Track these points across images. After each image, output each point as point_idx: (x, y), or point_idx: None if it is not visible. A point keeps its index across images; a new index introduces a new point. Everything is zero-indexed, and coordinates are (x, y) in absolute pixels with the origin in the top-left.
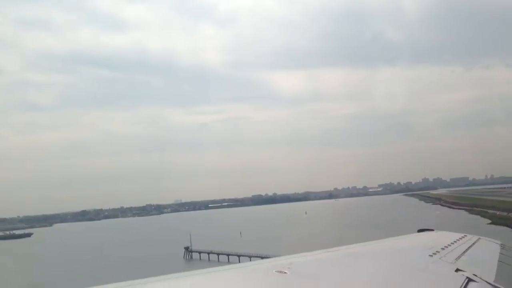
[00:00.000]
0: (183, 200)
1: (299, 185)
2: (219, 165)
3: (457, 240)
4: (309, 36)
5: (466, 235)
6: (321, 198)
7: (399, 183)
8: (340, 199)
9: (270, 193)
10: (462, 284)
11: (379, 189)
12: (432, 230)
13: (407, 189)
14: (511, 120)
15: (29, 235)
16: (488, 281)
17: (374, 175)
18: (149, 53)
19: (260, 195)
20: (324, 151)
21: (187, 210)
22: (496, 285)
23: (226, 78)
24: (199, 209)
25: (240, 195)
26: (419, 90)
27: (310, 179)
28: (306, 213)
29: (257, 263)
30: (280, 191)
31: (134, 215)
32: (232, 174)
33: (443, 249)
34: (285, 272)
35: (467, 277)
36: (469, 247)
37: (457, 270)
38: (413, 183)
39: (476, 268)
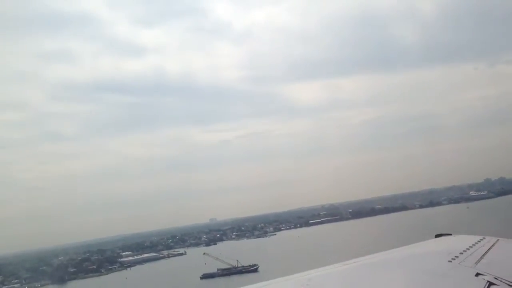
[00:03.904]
0: (218, 219)
1: (346, 194)
2: (247, 180)
3: (475, 243)
4: (324, 45)
5: (484, 238)
6: (421, 206)
7: (469, 184)
8: (452, 205)
9: (327, 204)
10: None
11: (484, 193)
12: (450, 234)
13: (504, 191)
14: None
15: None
16: (510, 283)
17: (415, 178)
18: (168, 75)
19: (332, 205)
20: (348, 158)
21: (289, 228)
22: None
23: (244, 93)
24: (300, 226)
25: (283, 208)
26: (441, 91)
27: (355, 186)
28: None
29: (276, 281)
30: (331, 202)
31: (238, 237)
32: (263, 188)
33: (461, 253)
34: None
35: (488, 281)
36: (488, 249)
37: (477, 274)
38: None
39: (497, 271)
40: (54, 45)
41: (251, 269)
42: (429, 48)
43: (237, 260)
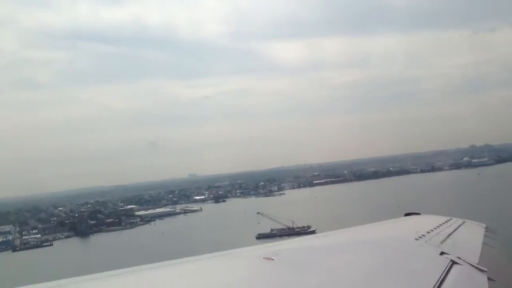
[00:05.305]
0: (198, 174)
1: (331, 155)
2: (226, 137)
3: (442, 223)
4: (309, 4)
5: (451, 218)
6: (423, 171)
7: (457, 150)
8: (453, 171)
9: (315, 164)
10: (446, 267)
11: (485, 159)
12: (419, 213)
13: (502, 159)
14: None
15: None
16: (472, 263)
17: (397, 143)
18: (148, 27)
19: (320, 165)
20: (329, 119)
21: (293, 188)
22: (480, 267)
23: (227, 50)
24: (304, 186)
25: (263, 167)
26: (424, 56)
27: (338, 147)
28: None
29: (246, 250)
30: (317, 162)
31: (243, 195)
32: (242, 146)
33: (428, 232)
34: (272, 259)
35: (451, 260)
36: (454, 230)
37: (441, 253)
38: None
39: (461, 251)
40: None
41: (309, 231)
42: (415, 12)
43: (293, 221)
